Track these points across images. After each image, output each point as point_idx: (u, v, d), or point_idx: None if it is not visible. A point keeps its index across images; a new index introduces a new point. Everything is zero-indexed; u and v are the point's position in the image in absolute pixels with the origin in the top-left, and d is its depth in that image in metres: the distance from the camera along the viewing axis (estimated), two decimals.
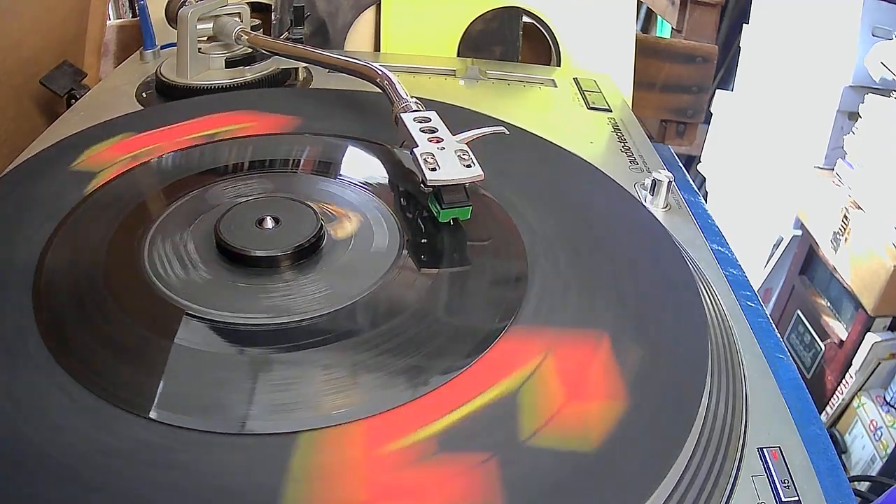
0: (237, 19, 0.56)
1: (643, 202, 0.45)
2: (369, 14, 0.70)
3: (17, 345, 0.29)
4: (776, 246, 1.12)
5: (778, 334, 0.42)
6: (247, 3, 0.59)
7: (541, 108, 0.61)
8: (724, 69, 1.40)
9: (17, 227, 0.36)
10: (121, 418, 0.26)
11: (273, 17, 0.69)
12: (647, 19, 1.52)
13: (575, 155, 0.46)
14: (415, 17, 0.69)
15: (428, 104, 0.44)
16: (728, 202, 1.27)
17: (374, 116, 0.48)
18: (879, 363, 0.90)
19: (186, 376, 0.28)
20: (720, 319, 0.36)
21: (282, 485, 0.24)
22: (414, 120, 0.41)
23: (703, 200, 0.60)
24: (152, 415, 0.26)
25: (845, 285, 0.92)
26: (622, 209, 0.41)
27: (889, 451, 0.85)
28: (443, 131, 0.40)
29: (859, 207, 0.89)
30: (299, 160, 0.44)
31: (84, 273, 0.33)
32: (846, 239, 0.89)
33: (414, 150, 0.38)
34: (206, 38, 0.57)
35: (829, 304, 0.99)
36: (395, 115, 0.43)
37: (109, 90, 0.57)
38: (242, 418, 0.26)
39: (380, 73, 0.47)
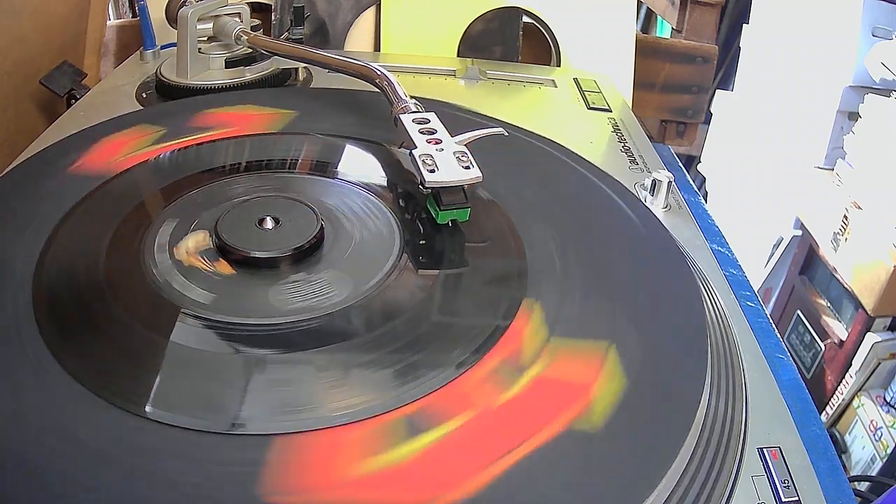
0: (237, 19, 0.56)
1: (643, 202, 0.45)
2: (369, 14, 0.70)
3: (16, 342, 0.29)
4: (776, 246, 1.12)
5: (778, 334, 0.42)
6: (247, 3, 0.59)
7: (541, 108, 0.61)
8: (724, 69, 1.40)
9: (18, 227, 0.36)
10: (117, 416, 0.26)
11: (273, 17, 0.69)
12: (647, 19, 1.52)
13: (575, 154, 0.46)
14: (415, 17, 0.69)
15: (427, 105, 0.44)
16: (728, 202, 1.27)
17: (373, 116, 0.48)
18: (879, 363, 0.90)
19: (182, 375, 0.28)
20: (720, 319, 0.36)
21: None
22: (413, 121, 0.41)
23: (703, 200, 0.60)
24: (147, 412, 0.26)
25: (845, 285, 0.92)
26: (622, 209, 0.41)
27: (889, 451, 0.85)
28: (441, 132, 0.40)
29: (859, 207, 0.89)
30: (299, 160, 0.44)
31: (84, 272, 0.33)
32: (846, 239, 0.89)
33: (412, 151, 0.38)
34: (206, 38, 0.57)
35: (829, 304, 0.99)
36: (394, 116, 0.43)
37: (109, 90, 0.57)
38: (236, 418, 0.27)
39: (379, 73, 0.47)
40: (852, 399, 0.93)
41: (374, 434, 0.26)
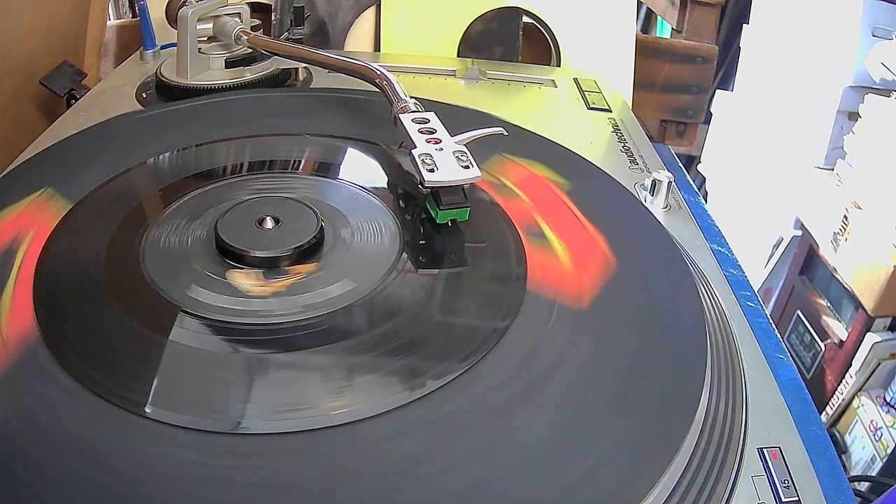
0: (237, 19, 0.56)
1: (643, 202, 0.45)
2: (369, 14, 0.70)
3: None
4: (776, 246, 1.12)
5: (778, 334, 0.42)
6: (247, 3, 0.59)
7: (541, 108, 0.61)
8: (724, 69, 1.40)
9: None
10: (116, 415, 0.26)
11: (273, 17, 0.69)
12: (647, 19, 1.52)
13: (574, 154, 0.46)
14: (415, 17, 0.69)
15: (427, 105, 0.44)
16: (728, 202, 1.27)
17: (373, 117, 0.48)
18: (879, 363, 0.90)
19: (181, 374, 0.28)
20: (720, 319, 0.36)
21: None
22: (412, 121, 0.41)
23: (703, 200, 0.60)
24: (147, 412, 0.26)
25: (845, 285, 0.92)
26: (622, 209, 0.41)
27: (889, 451, 0.85)
28: (441, 132, 0.40)
29: (859, 207, 0.89)
30: (299, 161, 0.44)
31: (84, 272, 0.33)
32: (846, 239, 0.89)
33: (412, 151, 0.38)
34: (206, 38, 0.57)
35: (829, 304, 0.99)
36: (393, 115, 0.43)
37: (109, 90, 0.57)
38: (238, 418, 0.26)
39: (379, 73, 0.47)
40: (852, 399, 0.93)
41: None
